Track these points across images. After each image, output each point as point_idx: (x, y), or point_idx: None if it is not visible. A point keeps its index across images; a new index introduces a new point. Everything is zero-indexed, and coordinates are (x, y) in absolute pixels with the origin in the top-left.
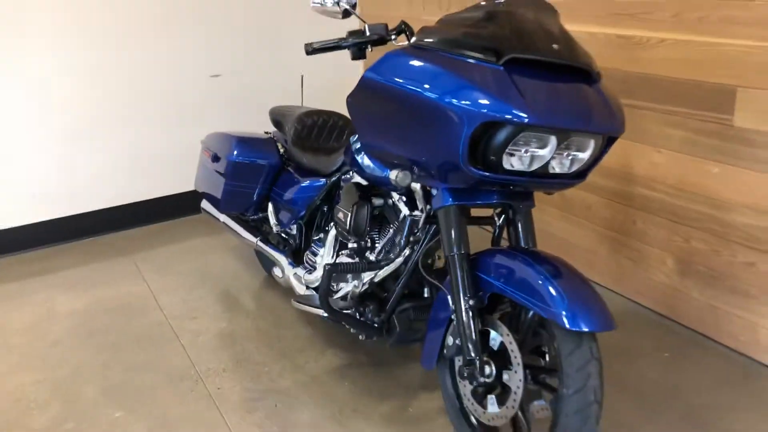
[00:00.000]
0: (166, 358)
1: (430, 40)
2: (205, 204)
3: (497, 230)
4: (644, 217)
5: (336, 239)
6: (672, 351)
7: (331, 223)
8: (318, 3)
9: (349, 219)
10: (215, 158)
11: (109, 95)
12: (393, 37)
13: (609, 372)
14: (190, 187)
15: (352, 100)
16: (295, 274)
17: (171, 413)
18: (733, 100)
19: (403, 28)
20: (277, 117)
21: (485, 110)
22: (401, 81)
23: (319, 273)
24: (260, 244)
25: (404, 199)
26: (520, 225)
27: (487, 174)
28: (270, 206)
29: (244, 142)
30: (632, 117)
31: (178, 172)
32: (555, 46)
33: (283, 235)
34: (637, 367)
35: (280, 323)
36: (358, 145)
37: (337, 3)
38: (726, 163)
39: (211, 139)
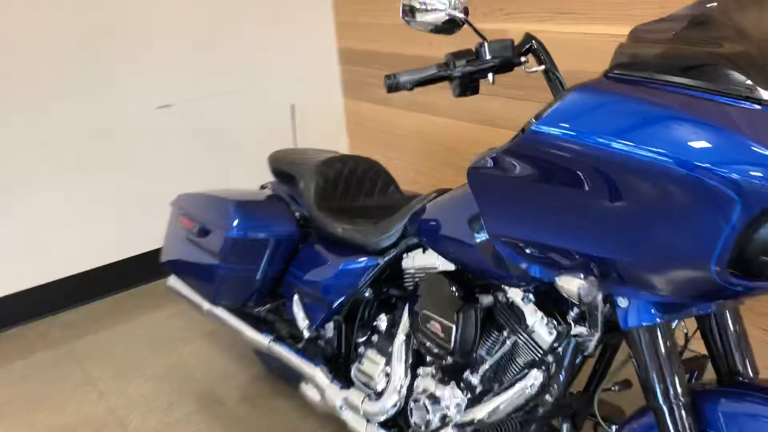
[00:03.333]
0: None
1: (650, 66)
2: (174, 282)
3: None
4: None
5: (409, 348)
6: None
7: (381, 315)
8: (421, 4)
9: (454, 333)
10: (203, 232)
11: (14, 146)
12: (523, 59)
13: None
14: (138, 250)
15: (494, 163)
16: (347, 399)
17: None
18: None
19: (532, 46)
20: (284, 167)
21: None
22: (606, 138)
23: (390, 401)
24: (275, 347)
25: (532, 297)
26: (731, 337)
27: (753, 284)
28: (295, 297)
29: (247, 208)
30: None
31: (119, 233)
32: None
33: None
34: None
35: None
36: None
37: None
38: None
39: (191, 203)
